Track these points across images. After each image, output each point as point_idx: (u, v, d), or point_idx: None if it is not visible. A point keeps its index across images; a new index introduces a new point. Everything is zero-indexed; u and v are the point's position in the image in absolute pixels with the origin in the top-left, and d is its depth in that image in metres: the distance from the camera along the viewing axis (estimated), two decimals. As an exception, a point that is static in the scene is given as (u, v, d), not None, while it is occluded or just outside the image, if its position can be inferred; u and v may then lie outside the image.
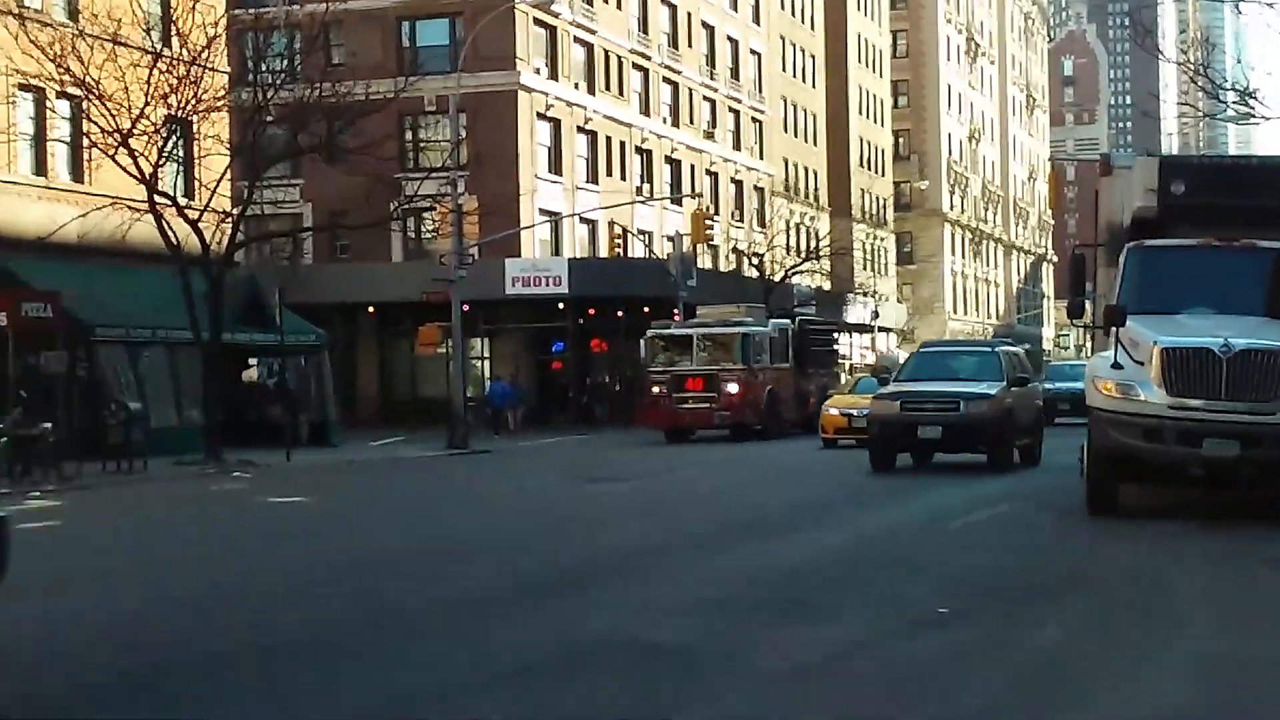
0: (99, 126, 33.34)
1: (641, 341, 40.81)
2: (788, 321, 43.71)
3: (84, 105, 34.59)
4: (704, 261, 64.26)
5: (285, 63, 38.05)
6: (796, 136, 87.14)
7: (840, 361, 52.56)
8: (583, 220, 60.12)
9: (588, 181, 61.65)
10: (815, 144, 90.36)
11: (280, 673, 8.30)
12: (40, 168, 37.59)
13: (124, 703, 7.59)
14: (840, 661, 8.39)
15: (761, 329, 40.66)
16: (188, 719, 7.27)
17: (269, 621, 10.14)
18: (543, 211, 56.61)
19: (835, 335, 49.51)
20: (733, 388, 38.58)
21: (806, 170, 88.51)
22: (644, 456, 32.57)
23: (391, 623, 9.93)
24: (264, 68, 36.80)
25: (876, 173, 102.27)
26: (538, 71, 58.53)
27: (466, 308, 43.06)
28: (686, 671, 8.04)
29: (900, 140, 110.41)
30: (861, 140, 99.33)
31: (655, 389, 39.41)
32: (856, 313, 78.30)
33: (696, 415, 38.88)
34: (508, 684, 7.82)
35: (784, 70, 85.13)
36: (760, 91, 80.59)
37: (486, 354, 57.09)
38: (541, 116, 58.75)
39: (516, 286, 52.17)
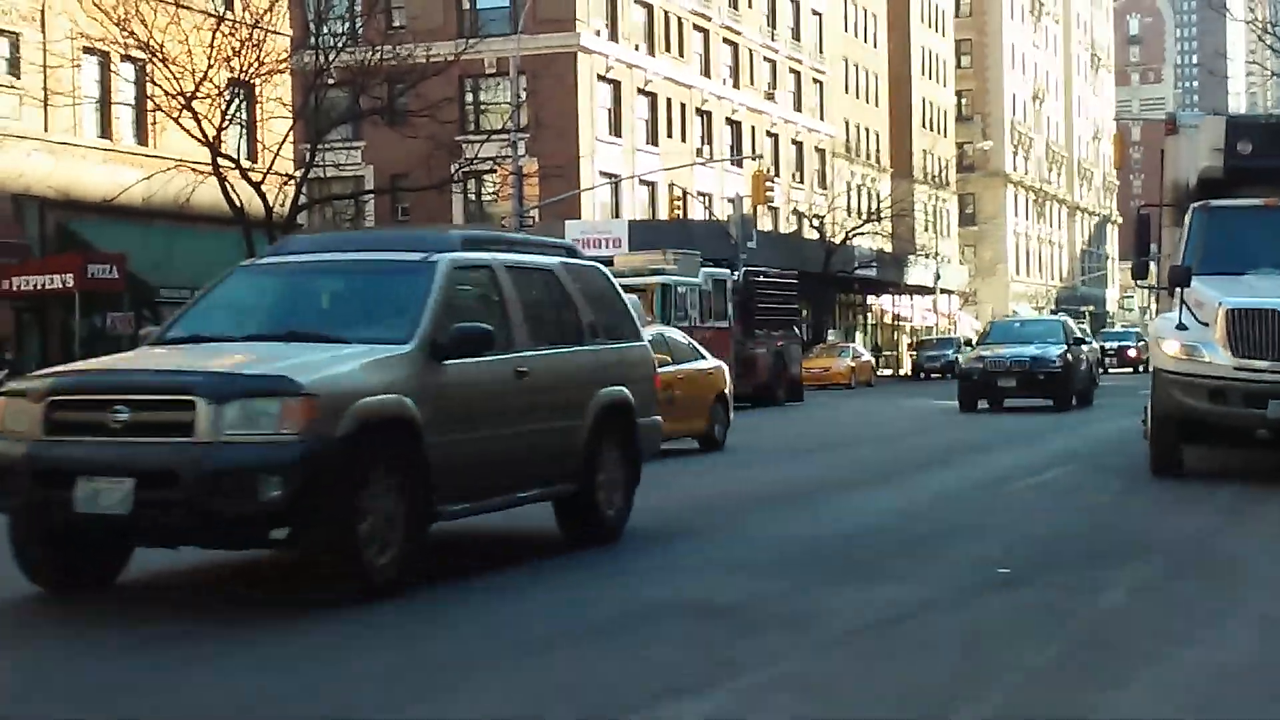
0: (163, 90, 33.63)
1: None
2: (727, 272, 37.37)
3: (148, 68, 34.87)
4: (764, 224, 64.11)
5: (346, 25, 38.23)
6: (858, 97, 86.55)
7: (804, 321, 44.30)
8: (642, 182, 60.05)
9: (647, 143, 61.53)
10: (877, 105, 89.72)
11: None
12: (105, 131, 37.93)
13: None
14: (900, 623, 8.39)
15: (688, 280, 34.55)
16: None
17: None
18: (602, 174, 56.59)
19: (795, 291, 42.15)
20: None
21: (868, 131, 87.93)
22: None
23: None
24: (325, 30, 36.96)
25: (939, 133, 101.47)
26: (598, 33, 58.39)
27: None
28: (745, 632, 8.06)
29: (963, 100, 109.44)
30: (924, 101, 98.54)
31: None
32: (918, 274, 77.85)
33: None
34: (565, 643, 7.87)
35: (845, 30, 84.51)
36: (821, 52, 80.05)
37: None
38: (601, 78, 58.64)
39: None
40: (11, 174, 34.92)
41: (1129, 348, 68.16)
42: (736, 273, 38.40)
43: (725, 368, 23.57)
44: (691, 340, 23.91)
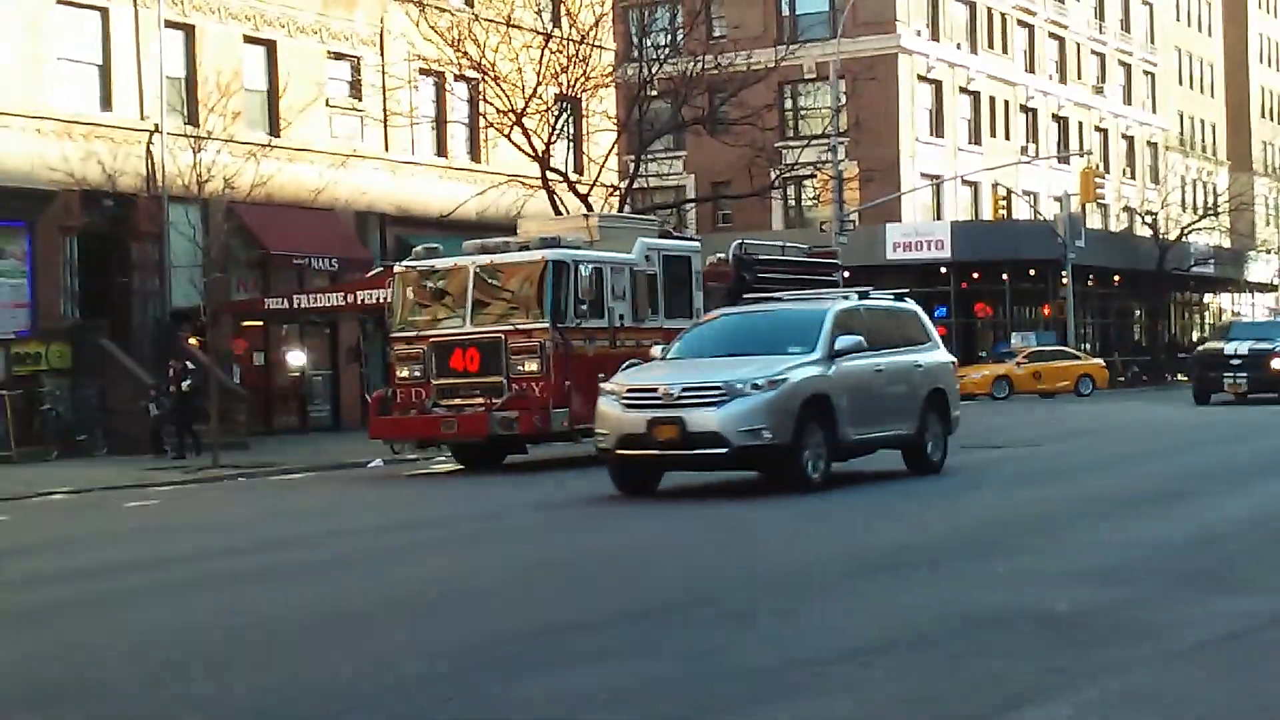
0: (494, 107, 34.77)
1: (392, 281, 23.87)
2: (694, 245, 26.50)
3: (480, 87, 36.12)
4: (1093, 221, 62.31)
5: (668, 38, 38.80)
6: (1192, 88, 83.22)
7: None
8: (965, 183, 59.10)
9: (970, 143, 60.53)
10: (1212, 95, 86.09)
11: (654, 631, 8.53)
12: (440, 149, 39.48)
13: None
14: (1257, 635, 8.05)
15: (605, 258, 23.23)
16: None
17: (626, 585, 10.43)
18: (924, 175, 55.93)
19: (832, 276, 29.48)
20: (531, 366, 22.15)
21: (1203, 123, 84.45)
22: (1046, 418, 31.74)
23: (771, 585, 10.05)
24: (648, 44, 37.61)
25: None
26: (918, 33, 57.75)
27: (847, 274, 42.96)
28: (1086, 642, 7.87)
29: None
30: (1263, 90, 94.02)
31: (402, 370, 23.10)
32: (1259, 271, 74.40)
33: (464, 421, 22.28)
34: (898, 652, 7.82)
35: (1178, 19, 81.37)
36: (1152, 42, 77.29)
37: (869, 320, 56.76)
38: (922, 79, 57.98)
39: (898, 252, 51.79)
40: (355, 192, 36.67)
41: None
42: (729, 250, 27.27)
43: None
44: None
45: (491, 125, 35.79)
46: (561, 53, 35.18)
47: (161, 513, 18.76)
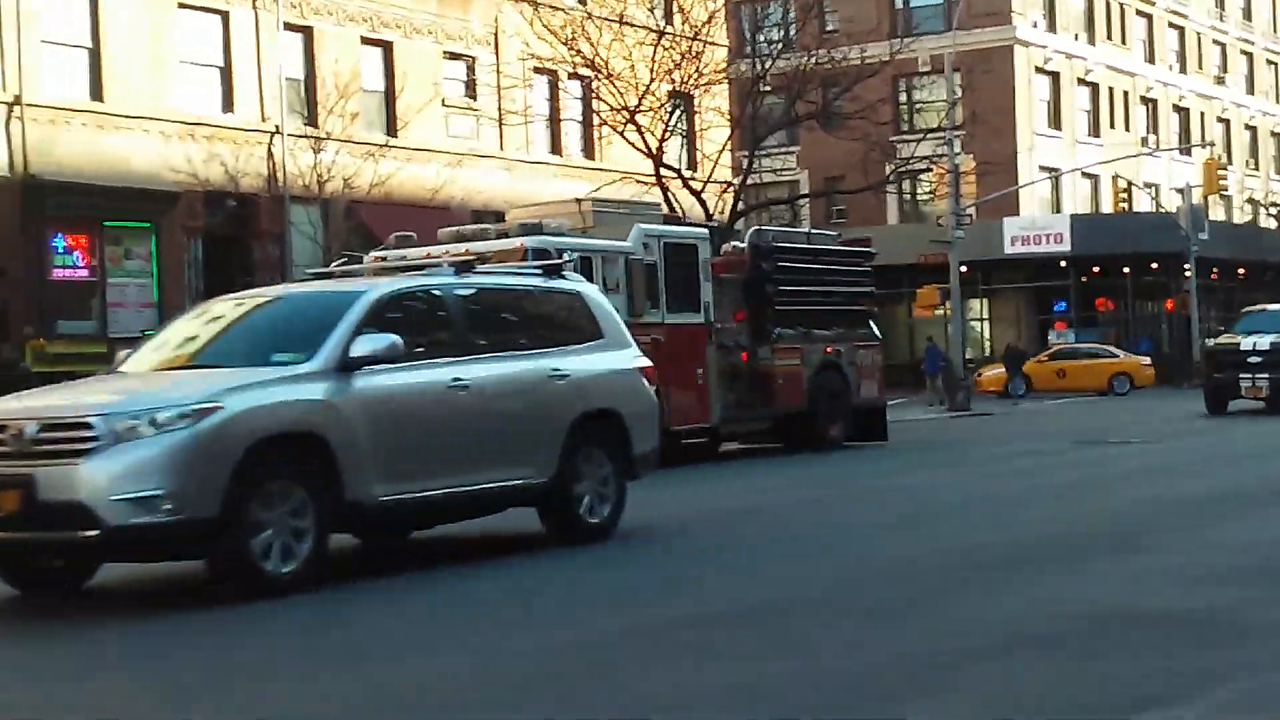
0: (608, 104, 34.88)
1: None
2: (698, 232, 23.40)
3: (593, 85, 36.26)
4: (1216, 213, 61.12)
5: (781, 33, 38.67)
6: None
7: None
8: (1084, 175, 58.29)
9: (1089, 135, 59.71)
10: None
11: (772, 623, 8.51)
12: (555, 147, 39.73)
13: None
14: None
15: (594, 246, 20.76)
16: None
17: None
18: (1041, 168, 55.26)
19: (865, 267, 26.54)
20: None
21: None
22: (1160, 416, 31.23)
23: (882, 585, 10.00)
24: (761, 39, 37.53)
25: None
26: (1035, 25, 57.06)
27: (965, 269, 42.60)
28: (1212, 642, 7.73)
29: None
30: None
31: None
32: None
33: None
34: (1016, 653, 7.74)
35: (1303, 6, 79.58)
36: (1276, 31, 75.68)
37: (985, 315, 56.30)
38: (1039, 70, 57.28)
39: (1016, 246, 51.24)
40: (472, 191, 36.98)
41: None
42: (743, 238, 25.50)
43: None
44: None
45: (605, 123, 35.92)
46: (674, 49, 35.21)
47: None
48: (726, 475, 20.67)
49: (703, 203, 34.77)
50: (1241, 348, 30.13)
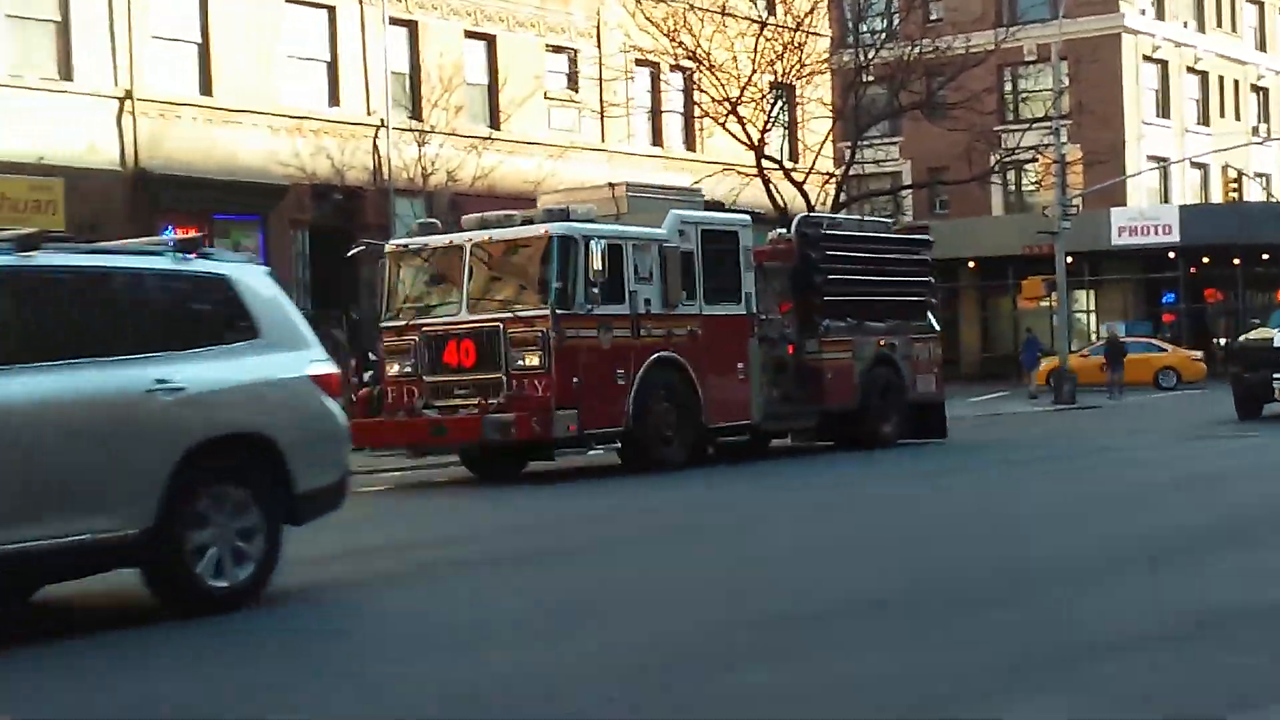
0: (709, 96, 34.86)
1: (380, 264, 20.84)
2: (743, 219, 21.85)
3: (695, 76, 36.26)
4: (1330, 203, 59.82)
5: (885, 23, 38.40)
6: None
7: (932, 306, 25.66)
8: (1194, 165, 57.33)
9: (1198, 124, 58.73)
10: None
11: (892, 620, 8.49)
12: (656, 139, 39.79)
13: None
14: None
15: (626, 233, 19.65)
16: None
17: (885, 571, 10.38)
18: (1149, 158, 54.41)
19: (923, 257, 25.34)
20: (531, 361, 18.77)
21: None
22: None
23: (1016, 579, 9.92)
24: (864, 29, 37.29)
25: None
26: (1143, 12, 56.21)
27: (1070, 260, 42.06)
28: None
29: None
30: None
31: (392, 366, 20.10)
32: None
33: (455, 425, 19.04)
34: (1130, 649, 7.66)
35: None
36: (1394, 16, 73.92)
37: (1091, 306, 55.58)
38: (1147, 59, 56.41)
39: (1123, 236, 50.51)
40: (573, 182, 37.03)
41: None
42: (789, 225, 24.12)
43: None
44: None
45: (707, 114, 35.90)
46: (776, 40, 35.11)
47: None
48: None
49: (804, 194, 34.66)
50: (1277, 344, 26.04)
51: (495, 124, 35.78)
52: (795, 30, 35.36)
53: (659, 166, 38.66)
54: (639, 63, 37.91)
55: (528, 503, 17.26)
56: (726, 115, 34.43)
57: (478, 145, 33.95)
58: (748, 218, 22.03)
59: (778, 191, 34.37)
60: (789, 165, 36.22)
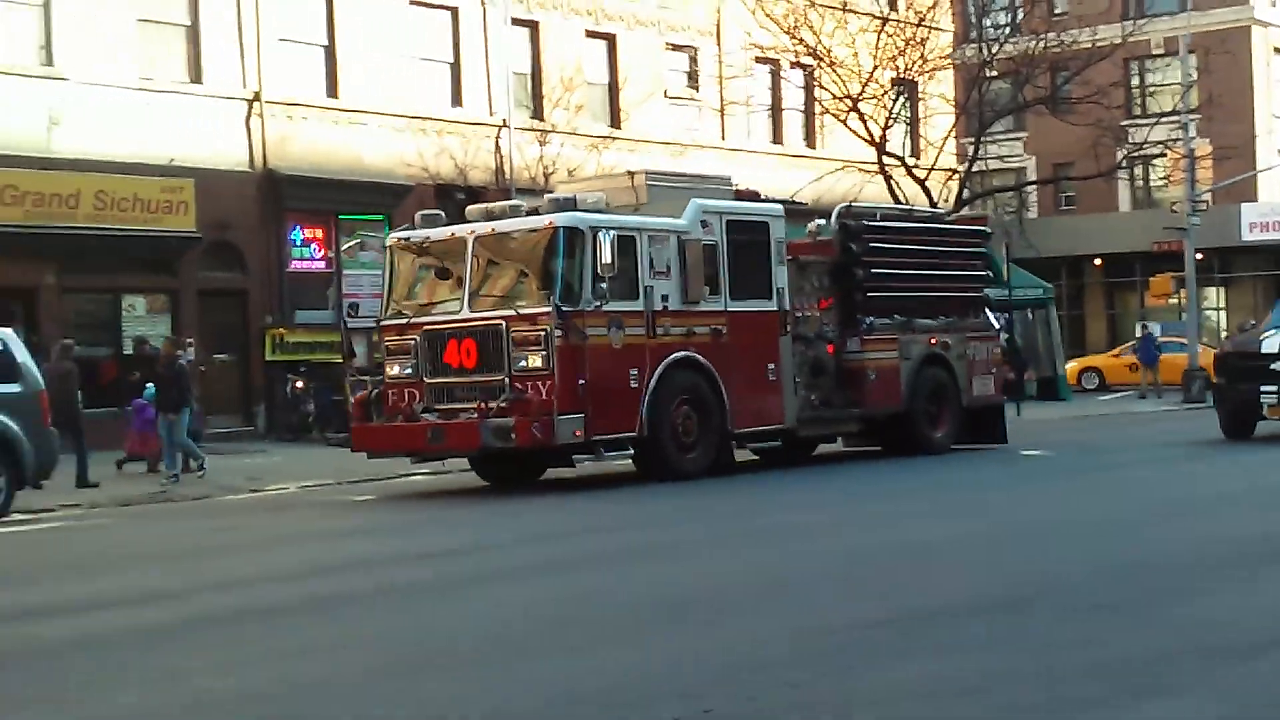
0: (830, 93, 34.69)
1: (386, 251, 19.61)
2: (773, 208, 20.29)
3: (815, 73, 36.10)
4: None
5: (1009, 17, 37.96)
6: None
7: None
8: (1328, 159, 55.90)
9: (1334, 117, 57.26)
10: None
11: (1008, 621, 8.37)
12: (776, 136, 39.68)
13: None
14: None
15: (640, 224, 18.29)
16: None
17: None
18: (1281, 152, 53.19)
19: (980, 249, 23.80)
20: (534, 361, 17.44)
21: None
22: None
23: (1142, 577, 9.75)
24: (987, 23, 36.92)
25: None
26: (1273, 4, 54.95)
27: (1200, 256, 41.28)
28: None
29: None
30: None
31: (392, 366, 18.67)
32: None
33: (454, 431, 17.76)
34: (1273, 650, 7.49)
35: None
36: None
37: (1221, 304, 54.48)
38: (1277, 50, 55.14)
39: (1254, 233, 49.48)
40: (693, 181, 37.09)
41: None
42: (830, 215, 21.73)
43: None
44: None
45: (827, 111, 35.72)
46: (898, 36, 34.84)
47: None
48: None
49: (927, 191, 34.37)
50: (1264, 350, 21.30)
51: (615, 123, 35.91)
52: (917, 25, 35.06)
53: (778, 164, 38.54)
54: (759, 60, 37.82)
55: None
56: (847, 112, 34.23)
57: (598, 144, 34.10)
58: (779, 208, 20.41)
59: (899, 188, 34.11)
60: (911, 162, 35.92)
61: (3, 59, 26.84)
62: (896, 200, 33.65)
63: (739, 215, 19.51)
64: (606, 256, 17.02)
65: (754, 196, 20.59)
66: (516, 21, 34.27)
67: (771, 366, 19.51)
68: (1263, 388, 20.76)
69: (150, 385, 22.26)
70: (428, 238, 18.69)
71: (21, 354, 18.14)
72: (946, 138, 36.50)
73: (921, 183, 34.44)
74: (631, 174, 20.09)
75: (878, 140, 34.18)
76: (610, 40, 36.30)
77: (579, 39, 35.61)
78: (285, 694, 7.19)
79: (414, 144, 32.20)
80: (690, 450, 18.30)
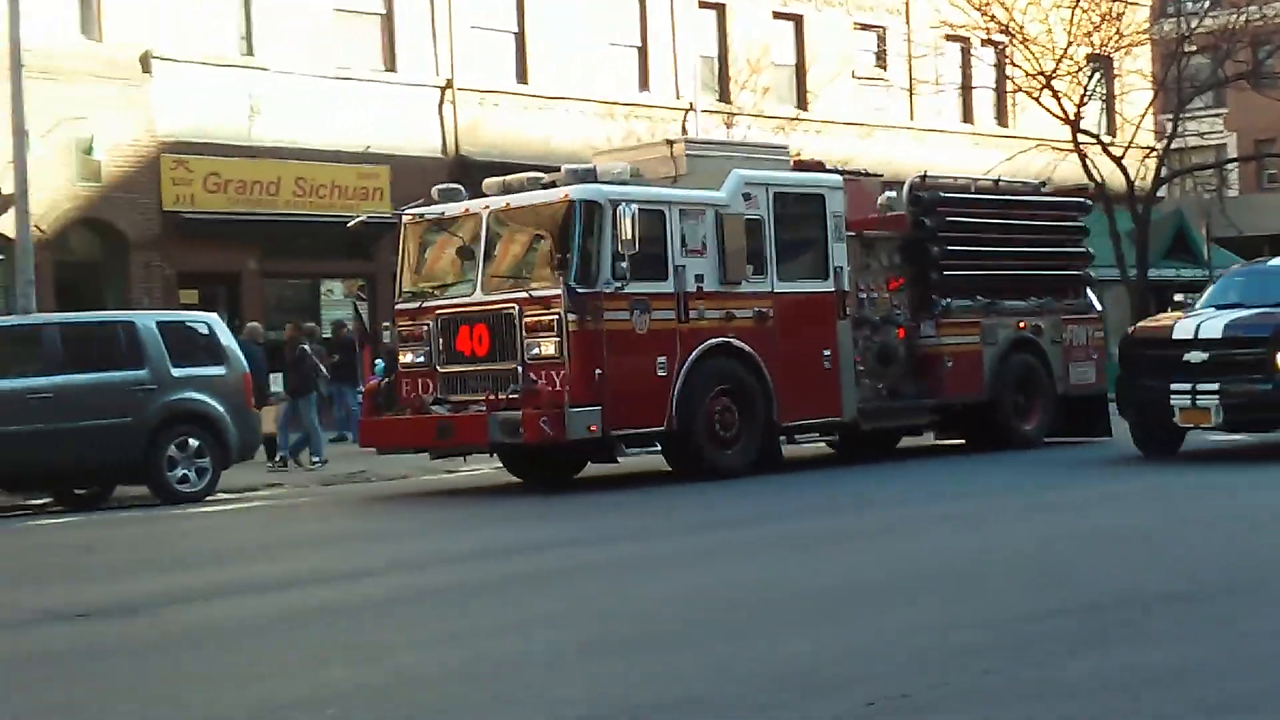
0: (1022, 70, 34.09)
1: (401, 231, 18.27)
2: (830, 179, 18.65)
3: (1007, 50, 35.49)
4: None
5: (1209, -10, 36.92)
6: None
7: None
8: None
9: None
10: None
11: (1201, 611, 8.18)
12: (966, 115, 39.12)
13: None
14: None
15: (659, 196, 16.57)
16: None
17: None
18: None
19: (1078, 224, 21.59)
20: (547, 349, 15.94)
21: None
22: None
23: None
24: (1187, -3, 35.93)
25: None
26: None
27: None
28: None
29: None
30: None
31: (405, 354, 17.37)
32: None
33: (463, 424, 16.33)
34: None
35: None
36: None
37: None
38: None
39: None
40: (881, 162, 36.67)
41: None
42: (900, 187, 20.28)
43: None
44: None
45: (1020, 89, 35.09)
46: (1093, 11, 34.06)
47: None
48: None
49: (1123, 169, 33.59)
50: (1176, 336, 16.68)
51: (803, 104, 35.74)
52: (1114, 1, 34.25)
53: (969, 144, 38.01)
54: (948, 38, 37.28)
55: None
56: (1041, 89, 33.60)
57: (785, 126, 33.97)
58: (837, 179, 18.62)
59: (1095, 167, 33.40)
60: (1107, 140, 35.13)
61: (205, 50, 27.67)
62: (1091, 179, 32.95)
63: (788, 187, 17.81)
64: (627, 232, 15.43)
65: (817, 167, 19.28)
66: (703, 4, 34.30)
67: (827, 353, 17.72)
68: (1173, 387, 16.28)
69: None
70: (442, 214, 17.38)
71: (226, 337, 18.73)
72: (1144, 115, 35.61)
73: (1118, 160, 33.67)
74: (670, 142, 18.54)
75: (1072, 118, 33.49)
76: (797, 21, 36.11)
77: (766, 20, 35.50)
78: (488, 672, 7.35)
79: (602, 128, 32.43)
80: (729, 445, 16.66)
